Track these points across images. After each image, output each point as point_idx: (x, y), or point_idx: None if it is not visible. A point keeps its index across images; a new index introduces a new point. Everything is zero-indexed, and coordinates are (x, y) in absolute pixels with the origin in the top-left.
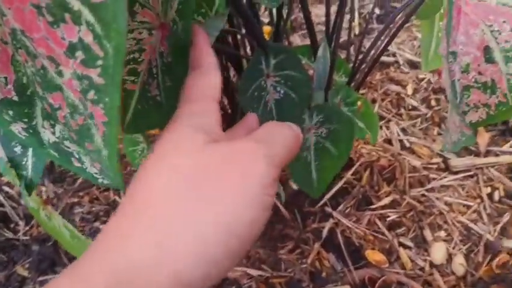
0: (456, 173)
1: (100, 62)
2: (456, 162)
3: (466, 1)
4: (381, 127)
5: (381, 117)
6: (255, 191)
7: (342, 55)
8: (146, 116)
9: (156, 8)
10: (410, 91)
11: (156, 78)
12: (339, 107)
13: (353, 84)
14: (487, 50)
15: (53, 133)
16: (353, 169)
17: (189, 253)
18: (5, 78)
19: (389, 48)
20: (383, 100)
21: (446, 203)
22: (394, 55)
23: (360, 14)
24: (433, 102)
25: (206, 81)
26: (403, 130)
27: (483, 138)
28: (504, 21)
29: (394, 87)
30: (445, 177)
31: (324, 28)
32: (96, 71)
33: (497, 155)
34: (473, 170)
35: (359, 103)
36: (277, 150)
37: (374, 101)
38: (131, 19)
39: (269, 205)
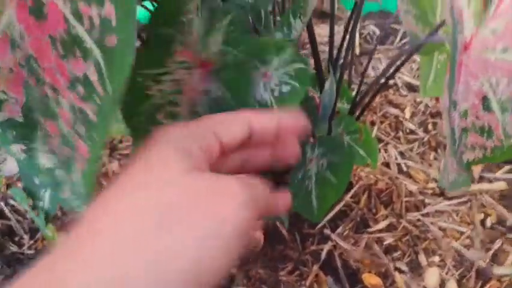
0: (450, 198)
1: (98, 101)
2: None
3: (468, 55)
4: (379, 150)
5: (380, 140)
6: (230, 240)
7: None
8: None
9: (196, 45)
10: (408, 114)
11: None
12: (342, 136)
13: (357, 112)
14: (484, 100)
15: (49, 159)
16: (352, 192)
17: None
18: (16, 99)
19: (389, 69)
20: (381, 123)
21: (440, 228)
22: (393, 77)
23: (360, 34)
24: (430, 126)
25: (229, 124)
26: (401, 154)
27: (477, 164)
28: (501, 76)
29: (393, 110)
30: (440, 202)
31: (327, 48)
32: (93, 108)
33: (490, 182)
34: (467, 196)
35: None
36: (262, 202)
37: (373, 123)
38: (169, 59)
39: (240, 253)
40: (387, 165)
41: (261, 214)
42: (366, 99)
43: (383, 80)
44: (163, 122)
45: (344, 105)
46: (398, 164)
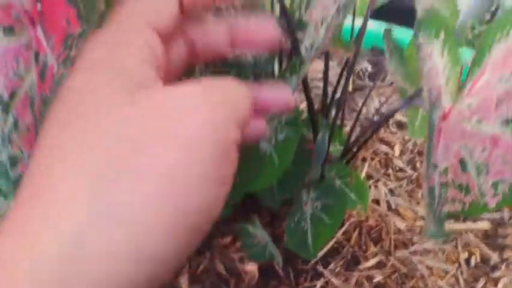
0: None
1: None
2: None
3: (446, 123)
4: (370, 186)
5: (371, 177)
6: (210, 158)
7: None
8: None
9: None
10: (397, 152)
11: None
12: (334, 180)
13: (349, 155)
14: (462, 161)
15: None
16: (343, 229)
17: (121, 253)
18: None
19: (381, 108)
20: (372, 159)
21: (427, 267)
22: (386, 123)
23: (353, 70)
24: (418, 164)
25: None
26: (390, 191)
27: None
28: (476, 143)
29: (383, 148)
30: (427, 240)
31: (321, 84)
32: None
33: (475, 221)
34: (452, 235)
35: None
36: (237, 104)
37: (364, 159)
38: None
39: (228, 178)
40: (377, 202)
41: (245, 121)
42: (361, 141)
43: (375, 115)
44: None
45: (336, 147)
46: (388, 201)
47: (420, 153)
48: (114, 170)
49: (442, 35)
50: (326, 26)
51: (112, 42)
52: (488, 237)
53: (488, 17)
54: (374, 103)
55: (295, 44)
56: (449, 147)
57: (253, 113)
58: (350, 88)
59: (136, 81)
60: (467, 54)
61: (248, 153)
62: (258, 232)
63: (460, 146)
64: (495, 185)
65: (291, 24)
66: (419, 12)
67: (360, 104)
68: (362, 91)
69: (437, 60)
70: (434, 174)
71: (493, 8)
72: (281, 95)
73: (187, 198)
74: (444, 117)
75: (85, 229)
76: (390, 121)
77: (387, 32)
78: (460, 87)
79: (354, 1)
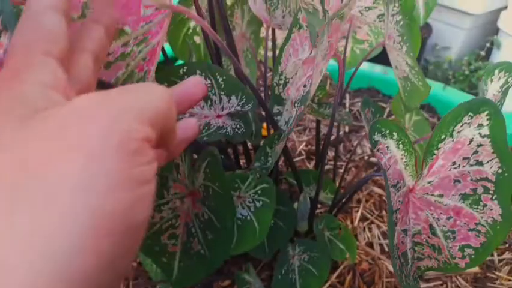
0: (428, 280)
1: None
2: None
3: (413, 195)
4: (364, 229)
5: (365, 219)
6: (116, 161)
7: (331, 152)
8: (192, 271)
9: (184, 180)
10: None
11: (196, 235)
12: (323, 231)
13: (339, 205)
14: (431, 227)
15: None
16: (337, 272)
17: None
18: None
19: None
20: (367, 201)
21: None
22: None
23: (350, 111)
24: None
25: (35, 26)
26: (383, 234)
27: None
28: (441, 213)
29: (377, 189)
30: None
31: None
32: None
33: None
34: (443, 278)
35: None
36: (144, 103)
37: (359, 201)
38: (166, 193)
39: (147, 177)
40: (370, 245)
41: (154, 121)
42: (351, 189)
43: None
44: (167, 243)
45: (328, 195)
46: (381, 244)
47: None
48: (19, 199)
49: (396, 134)
50: (298, 105)
51: (9, 75)
52: (477, 281)
53: (483, 53)
54: (369, 144)
55: (273, 121)
56: (419, 214)
57: (175, 110)
58: (347, 129)
59: (35, 107)
60: (458, 95)
61: (227, 218)
62: (253, 280)
63: (427, 215)
64: (462, 249)
65: (270, 104)
66: (397, 79)
67: (355, 144)
68: (358, 132)
69: (394, 151)
70: (405, 238)
71: (487, 45)
72: (190, 82)
73: (102, 207)
74: (411, 190)
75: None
76: None
77: (366, 102)
78: (418, 171)
79: (313, 90)
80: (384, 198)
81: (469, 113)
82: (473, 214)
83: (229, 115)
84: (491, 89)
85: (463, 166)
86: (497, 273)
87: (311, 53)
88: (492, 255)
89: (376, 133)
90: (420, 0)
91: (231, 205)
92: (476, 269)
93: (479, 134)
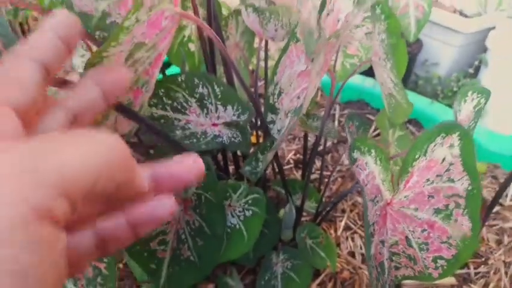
0: None
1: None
2: (407, 280)
3: (391, 208)
4: (347, 238)
5: (349, 228)
6: (8, 245)
7: (319, 162)
8: (181, 277)
9: None
10: None
11: (186, 242)
12: (305, 239)
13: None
14: (407, 238)
15: None
16: (319, 279)
17: None
18: None
19: None
20: (351, 211)
21: None
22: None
23: (339, 122)
24: None
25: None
26: (365, 244)
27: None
28: (416, 226)
29: (361, 200)
30: None
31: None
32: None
33: None
34: None
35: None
36: (77, 165)
37: (343, 211)
38: None
39: (52, 244)
40: (352, 254)
41: (75, 185)
42: (334, 200)
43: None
44: (157, 249)
45: (312, 204)
46: (362, 254)
47: None
48: None
49: (373, 152)
50: (291, 115)
51: None
52: None
53: (471, 71)
54: None
55: (267, 129)
56: (396, 227)
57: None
58: (335, 140)
59: None
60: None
61: (218, 226)
62: (235, 284)
63: (403, 227)
64: (435, 260)
65: (264, 111)
66: (383, 96)
67: (343, 155)
68: (346, 143)
69: (372, 168)
70: (383, 249)
71: (476, 63)
72: (181, 166)
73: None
74: (388, 204)
75: None
76: None
77: (351, 117)
78: (394, 186)
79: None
80: None
81: (442, 134)
82: (445, 228)
83: (225, 124)
84: (465, 109)
85: (436, 183)
86: (472, 285)
87: (307, 67)
88: (468, 268)
89: (355, 150)
90: (412, 18)
91: (222, 213)
92: (452, 281)
93: (451, 153)
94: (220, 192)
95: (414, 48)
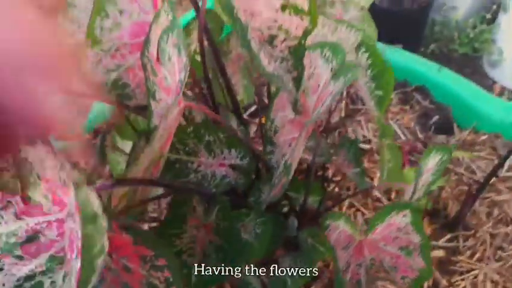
0: None
1: None
2: None
3: (365, 241)
4: (350, 216)
5: (352, 206)
6: None
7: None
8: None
9: (200, 216)
10: (376, 182)
11: (210, 256)
12: (306, 238)
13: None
14: (381, 262)
15: None
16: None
17: None
18: None
19: (366, 134)
20: (355, 188)
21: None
22: (370, 142)
23: (348, 93)
24: (393, 195)
25: None
26: (366, 221)
27: (426, 230)
28: (385, 255)
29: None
30: None
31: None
32: None
33: (432, 249)
34: None
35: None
36: None
37: (348, 188)
38: (185, 225)
39: None
40: None
41: None
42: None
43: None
44: (186, 260)
45: (316, 198)
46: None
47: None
48: None
49: (343, 219)
50: (284, 163)
51: None
52: (441, 264)
53: (489, 16)
54: (363, 130)
55: (268, 164)
56: (371, 254)
57: None
58: (343, 113)
59: None
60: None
61: (234, 245)
62: (252, 280)
63: (377, 254)
64: (403, 278)
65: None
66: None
67: (350, 130)
68: (353, 117)
69: (343, 226)
70: (360, 269)
71: (494, 7)
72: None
73: None
74: (362, 240)
75: None
76: (374, 149)
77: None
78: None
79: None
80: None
81: (396, 210)
82: (408, 261)
83: (230, 167)
84: (430, 164)
85: (397, 233)
86: (459, 257)
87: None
88: (458, 241)
89: (328, 219)
90: None
91: (238, 235)
92: (441, 253)
93: (405, 221)
94: (235, 220)
95: None
